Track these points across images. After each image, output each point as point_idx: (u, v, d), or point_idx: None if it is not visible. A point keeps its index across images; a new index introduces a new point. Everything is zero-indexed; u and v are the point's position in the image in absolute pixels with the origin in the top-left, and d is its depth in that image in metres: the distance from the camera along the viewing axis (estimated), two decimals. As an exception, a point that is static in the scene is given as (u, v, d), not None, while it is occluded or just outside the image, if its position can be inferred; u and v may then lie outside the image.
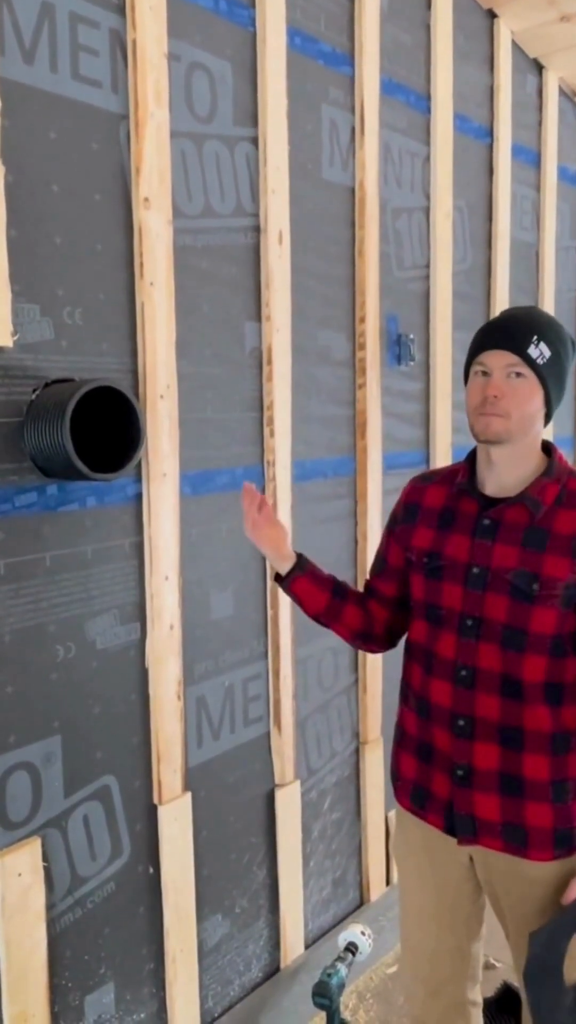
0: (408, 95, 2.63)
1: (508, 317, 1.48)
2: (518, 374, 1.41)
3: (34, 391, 1.63)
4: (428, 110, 2.71)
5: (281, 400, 2.21)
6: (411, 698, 1.60)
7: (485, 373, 1.44)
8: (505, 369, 1.41)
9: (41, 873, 1.66)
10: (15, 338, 1.58)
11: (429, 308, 2.78)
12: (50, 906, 1.70)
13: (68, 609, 1.72)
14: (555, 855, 1.46)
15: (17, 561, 1.63)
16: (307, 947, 2.42)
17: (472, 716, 1.47)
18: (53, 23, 1.63)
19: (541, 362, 1.40)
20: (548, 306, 3.46)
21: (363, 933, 2.22)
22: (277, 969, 2.33)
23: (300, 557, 1.70)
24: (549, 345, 1.41)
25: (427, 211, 2.74)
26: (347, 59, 2.38)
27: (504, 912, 1.57)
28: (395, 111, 2.57)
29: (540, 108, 3.35)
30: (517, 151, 3.19)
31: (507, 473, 1.47)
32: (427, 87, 2.70)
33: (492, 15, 2.98)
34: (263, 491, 2.20)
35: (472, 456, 1.55)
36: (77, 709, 1.75)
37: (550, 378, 1.42)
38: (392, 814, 1.70)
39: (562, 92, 3.48)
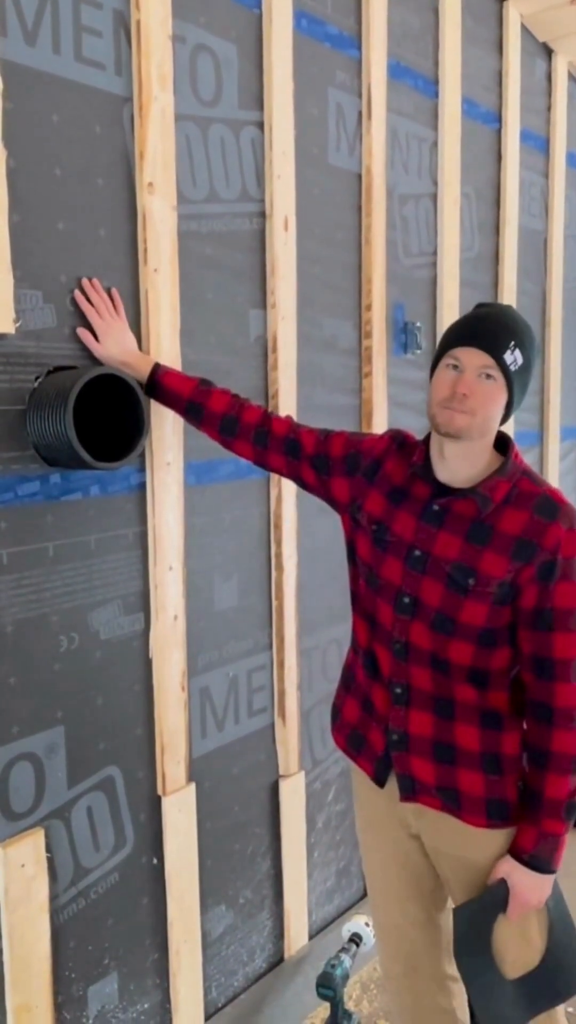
0: (416, 79, 2.59)
1: (488, 316, 1.47)
2: (489, 376, 1.42)
3: (37, 379, 1.61)
4: (436, 94, 2.67)
5: (286, 389, 2.19)
6: (360, 652, 1.65)
7: (456, 367, 1.44)
8: (478, 369, 1.42)
9: (44, 864, 1.65)
10: (17, 325, 1.56)
11: (436, 296, 2.75)
12: (53, 897, 1.69)
13: (71, 599, 1.71)
14: (488, 823, 1.52)
15: (20, 551, 1.61)
16: (311, 938, 2.42)
17: (408, 684, 1.54)
18: (56, 4, 1.60)
19: (513, 368, 1.42)
20: (556, 294, 3.43)
21: (367, 924, 2.22)
22: (281, 960, 2.32)
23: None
24: (523, 352, 1.43)
25: (434, 197, 2.71)
26: (354, 42, 2.34)
27: (451, 884, 1.63)
28: (402, 95, 2.54)
29: (549, 93, 3.31)
30: (526, 137, 3.15)
31: (458, 467, 1.49)
32: (435, 71, 2.66)
33: (501, -2, 2.94)
34: (268, 481, 2.18)
35: (428, 439, 1.56)
36: (80, 700, 1.74)
37: (517, 384, 1.44)
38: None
39: (571, 77, 3.44)
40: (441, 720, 1.52)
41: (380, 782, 1.62)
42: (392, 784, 1.61)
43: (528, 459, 3.33)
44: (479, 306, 1.54)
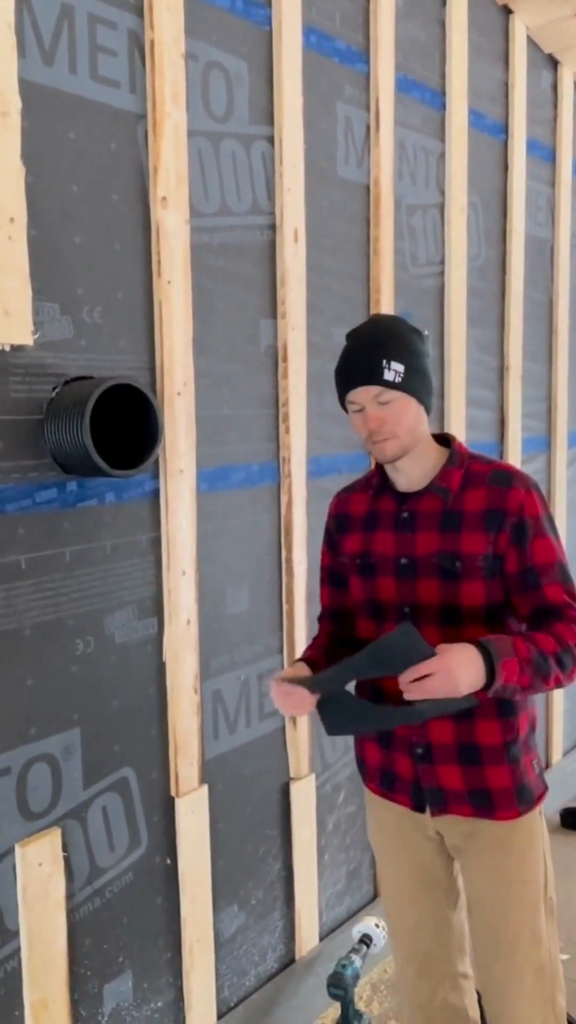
0: (423, 92, 2.63)
1: (354, 350, 1.54)
2: (384, 402, 1.50)
3: (54, 389, 1.65)
4: (443, 107, 2.71)
5: (296, 397, 2.22)
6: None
7: (359, 410, 1.53)
8: (373, 400, 1.51)
9: (61, 863, 1.69)
10: (36, 336, 1.60)
11: (444, 305, 2.79)
12: (70, 896, 1.73)
13: (87, 604, 1.75)
14: (520, 812, 1.57)
15: (37, 556, 1.65)
16: (322, 939, 2.44)
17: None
18: (72, 25, 1.65)
19: (399, 380, 1.49)
20: (563, 302, 3.46)
21: (377, 925, 2.24)
22: (292, 960, 2.35)
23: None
24: (399, 359, 1.49)
25: (442, 208, 2.75)
26: (362, 56, 2.39)
27: (472, 881, 1.64)
28: (410, 108, 2.58)
29: (555, 104, 3.34)
30: (532, 147, 3.19)
31: (411, 471, 1.59)
32: (442, 84, 2.70)
33: (507, 11, 2.98)
34: (278, 487, 2.22)
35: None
36: (96, 702, 1.78)
37: (413, 386, 1.51)
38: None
39: (577, 87, 3.48)
40: (460, 723, 1.55)
41: (420, 808, 1.62)
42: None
43: (535, 466, 3.36)
44: (347, 337, 1.59)
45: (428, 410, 1.57)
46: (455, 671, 1.35)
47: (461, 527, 1.52)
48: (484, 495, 1.52)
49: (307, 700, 1.49)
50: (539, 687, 1.44)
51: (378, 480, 1.65)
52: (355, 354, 1.54)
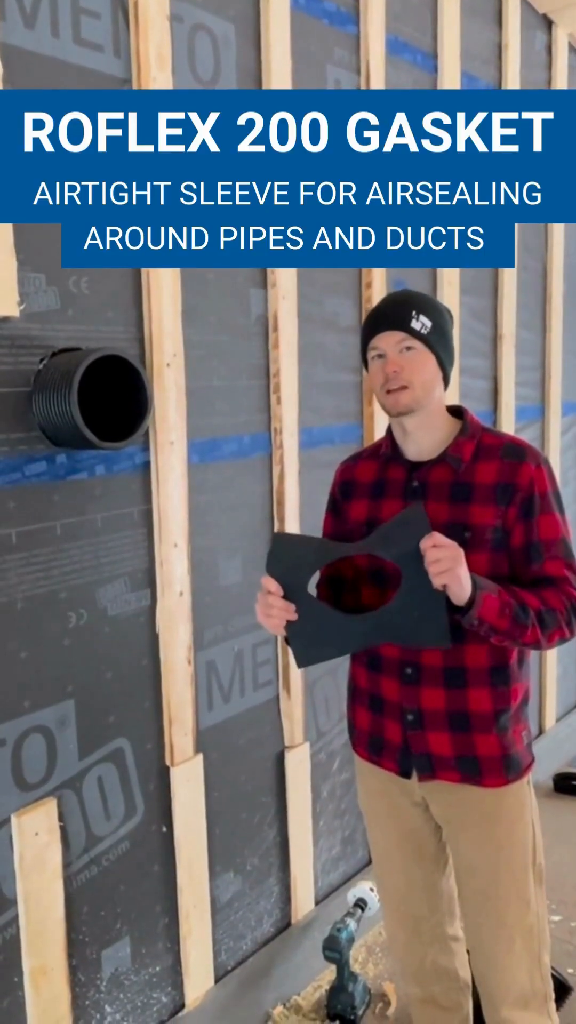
0: (415, 54, 2.58)
1: (386, 302, 1.62)
2: (408, 348, 1.54)
3: (41, 361, 1.64)
4: (435, 69, 2.67)
5: (287, 367, 2.21)
6: (360, 654, 1.70)
7: (380, 356, 1.57)
8: (396, 346, 1.55)
9: (57, 832, 1.71)
10: (21, 308, 1.58)
11: (436, 273, 2.76)
12: (67, 864, 1.75)
13: (79, 576, 1.75)
14: (508, 780, 1.59)
15: (28, 530, 1.65)
16: (317, 903, 2.48)
17: (419, 663, 1.59)
18: (54, -14, 1.61)
19: (425, 332, 1.54)
20: (556, 267, 3.43)
21: (371, 889, 2.28)
22: (288, 924, 2.39)
23: None
24: (427, 316, 1.55)
25: (434, 173, 2.71)
26: (352, 18, 2.34)
27: (462, 850, 1.66)
28: (401, 70, 2.54)
29: (549, 65, 3.29)
30: (526, 110, 3.14)
31: (423, 439, 1.61)
32: (434, 45, 2.66)
33: (500, -31, 2.92)
34: (270, 459, 2.21)
35: (391, 429, 1.67)
36: (90, 674, 1.79)
37: (436, 344, 1.56)
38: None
39: (572, 49, 3.42)
40: (452, 691, 1.57)
41: (406, 773, 1.65)
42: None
43: (529, 434, 3.35)
44: (382, 300, 1.67)
45: (446, 379, 1.61)
46: (461, 557, 1.41)
47: (471, 498, 1.54)
48: (496, 468, 1.55)
49: (284, 607, 1.48)
50: (516, 636, 1.47)
51: (388, 448, 1.66)
52: (386, 306, 1.60)
